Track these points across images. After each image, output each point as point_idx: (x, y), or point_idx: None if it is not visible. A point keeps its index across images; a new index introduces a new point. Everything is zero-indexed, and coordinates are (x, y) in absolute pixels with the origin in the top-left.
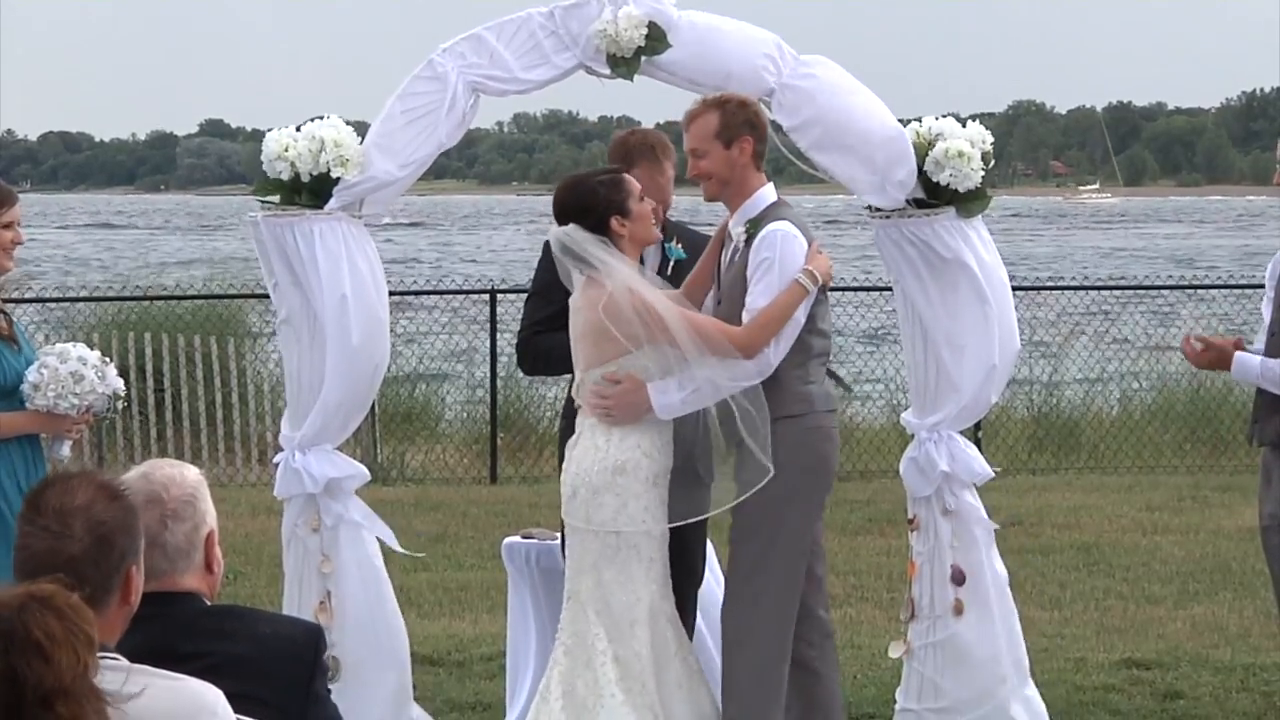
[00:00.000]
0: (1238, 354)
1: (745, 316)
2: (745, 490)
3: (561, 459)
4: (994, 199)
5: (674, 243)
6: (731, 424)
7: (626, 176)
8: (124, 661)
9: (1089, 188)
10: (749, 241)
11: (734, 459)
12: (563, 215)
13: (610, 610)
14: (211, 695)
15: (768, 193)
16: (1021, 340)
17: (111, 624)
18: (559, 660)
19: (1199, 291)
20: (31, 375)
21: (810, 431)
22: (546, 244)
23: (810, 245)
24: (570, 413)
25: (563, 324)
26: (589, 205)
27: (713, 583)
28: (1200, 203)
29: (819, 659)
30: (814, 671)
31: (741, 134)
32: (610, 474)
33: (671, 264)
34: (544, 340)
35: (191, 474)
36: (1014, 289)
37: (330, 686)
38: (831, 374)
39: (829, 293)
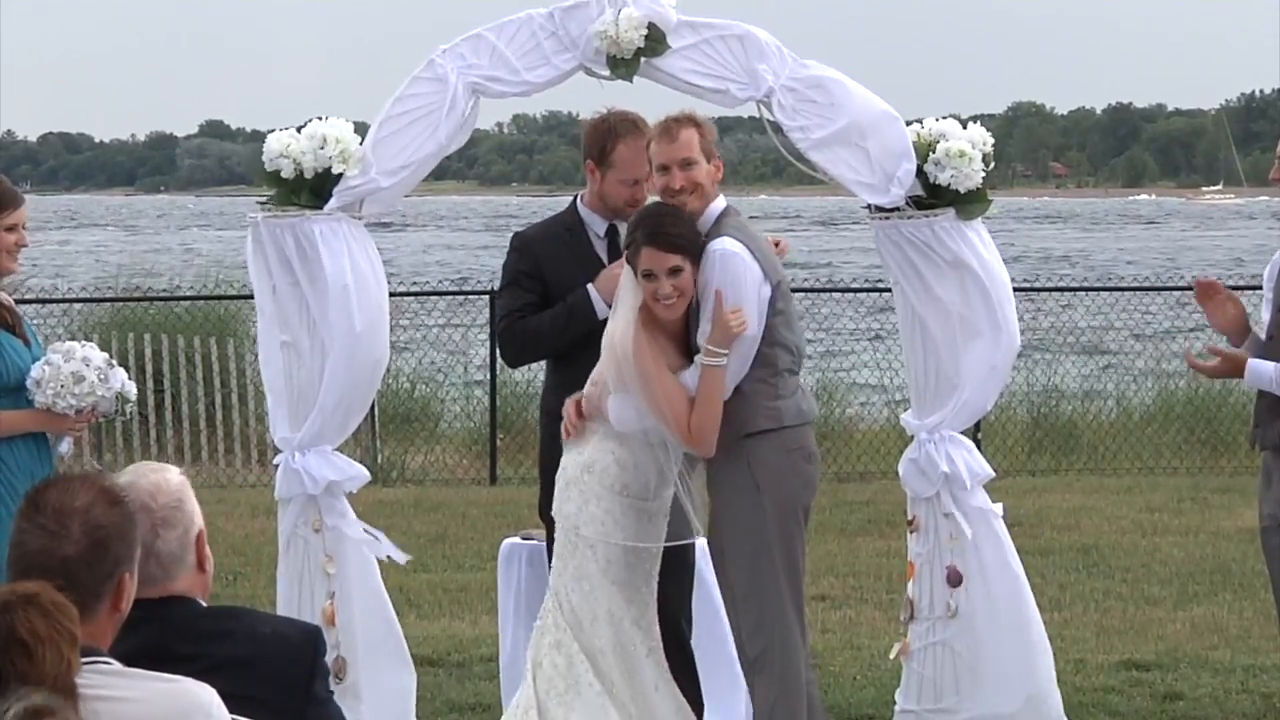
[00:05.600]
0: (1250, 360)
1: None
2: (672, 539)
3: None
4: (1029, 200)
5: None
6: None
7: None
8: (117, 665)
9: (1213, 189)
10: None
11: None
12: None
13: (571, 604)
14: (206, 695)
15: (718, 204)
16: (1021, 341)
17: (102, 629)
18: (534, 641)
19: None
20: (35, 371)
21: (792, 452)
22: (516, 235)
23: (718, 300)
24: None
25: (541, 310)
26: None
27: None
28: None
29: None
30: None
31: (715, 153)
32: (580, 470)
33: None
34: (528, 322)
35: (174, 477)
36: (1015, 289)
37: (335, 687)
38: None
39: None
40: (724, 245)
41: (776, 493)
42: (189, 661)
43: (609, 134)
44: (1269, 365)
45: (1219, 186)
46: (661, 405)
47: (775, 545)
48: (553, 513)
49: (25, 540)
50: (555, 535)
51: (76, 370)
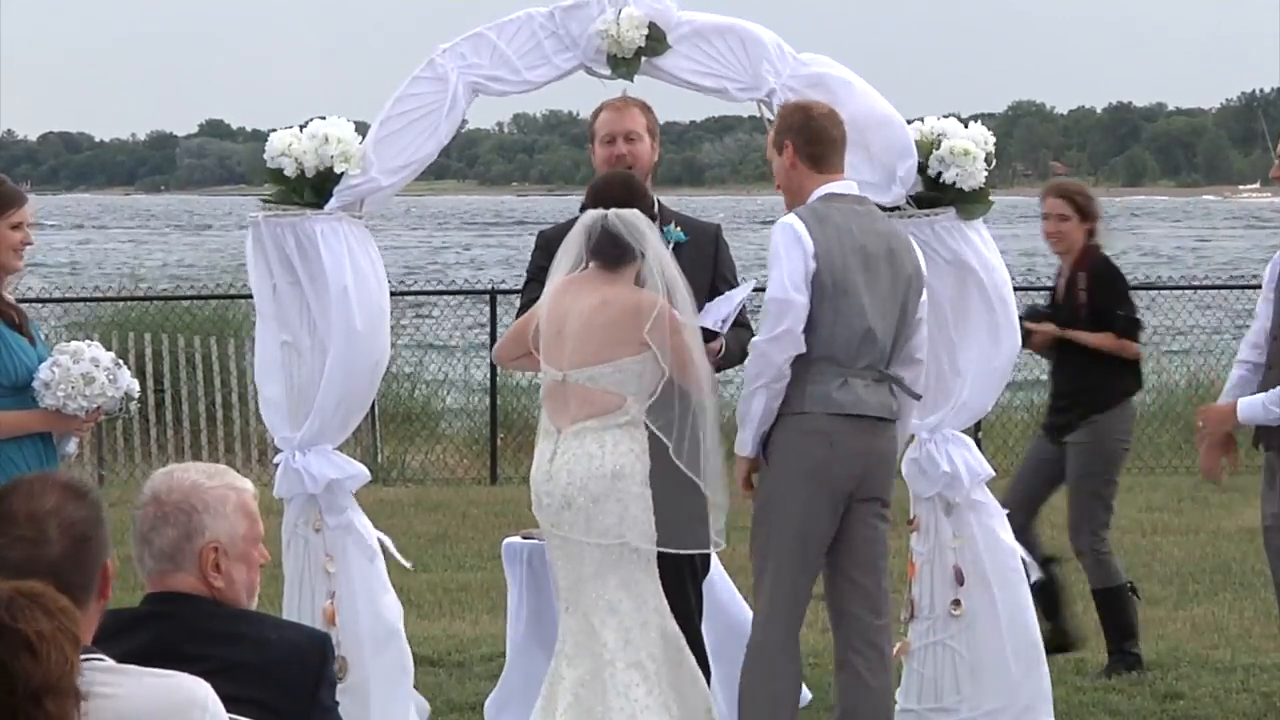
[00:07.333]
0: (1239, 402)
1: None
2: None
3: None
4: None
5: (673, 226)
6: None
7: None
8: (110, 661)
9: (1249, 186)
10: None
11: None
12: (623, 201)
13: (619, 616)
14: (202, 690)
15: (819, 191)
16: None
17: (90, 620)
18: (562, 675)
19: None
20: (43, 373)
21: (807, 435)
22: (540, 234)
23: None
24: None
25: None
26: (644, 200)
27: (714, 582)
28: None
29: (862, 664)
30: (857, 675)
31: (783, 140)
32: (610, 479)
33: (671, 246)
34: None
35: (210, 483)
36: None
37: (337, 686)
38: (893, 379)
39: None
40: (786, 219)
41: (776, 467)
42: (195, 662)
43: (597, 111)
44: (1256, 400)
45: (1256, 185)
46: (700, 360)
47: (762, 524)
48: (579, 534)
49: (7, 555)
50: (583, 555)
51: (87, 372)
